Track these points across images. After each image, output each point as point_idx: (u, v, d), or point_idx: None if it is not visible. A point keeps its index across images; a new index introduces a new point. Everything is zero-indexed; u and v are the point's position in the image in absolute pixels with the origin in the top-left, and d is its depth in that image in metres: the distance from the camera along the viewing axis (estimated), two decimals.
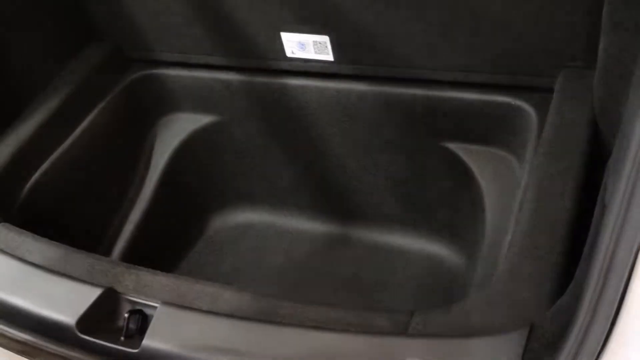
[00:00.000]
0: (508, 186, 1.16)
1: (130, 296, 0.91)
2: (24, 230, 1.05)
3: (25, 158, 1.23)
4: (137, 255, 1.37)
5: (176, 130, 1.47)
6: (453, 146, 1.27)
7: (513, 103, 1.16)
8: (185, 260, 1.51)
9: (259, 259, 1.51)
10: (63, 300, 0.90)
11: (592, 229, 0.70)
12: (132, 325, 0.88)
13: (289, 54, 1.26)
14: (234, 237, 1.56)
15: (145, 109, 1.46)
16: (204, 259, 1.52)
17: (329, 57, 1.23)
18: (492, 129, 1.21)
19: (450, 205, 1.36)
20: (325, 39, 1.19)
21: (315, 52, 1.23)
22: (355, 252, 1.48)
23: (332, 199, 1.49)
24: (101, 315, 0.89)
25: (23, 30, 1.28)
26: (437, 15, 1.10)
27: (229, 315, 0.87)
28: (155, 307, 0.88)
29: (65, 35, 1.38)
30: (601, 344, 0.62)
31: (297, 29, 1.20)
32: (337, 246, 1.50)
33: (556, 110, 1.03)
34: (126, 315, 0.88)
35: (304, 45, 1.22)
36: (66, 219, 1.29)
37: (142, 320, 0.88)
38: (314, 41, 1.20)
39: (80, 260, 0.98)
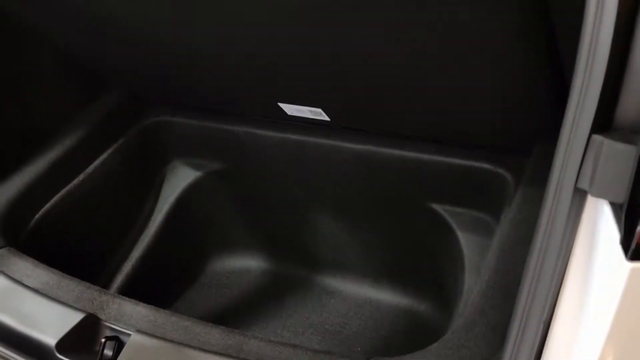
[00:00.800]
0: (486, 248, 1.21)
1: (110, 323, 0.97)
2: (26, 256, 1.12)
3: (38, 190, 1.30)
4: (133, 292, 1.43)
5: (183, 175, 1.55)
6: (438, 207, 1.32)
7: (494, 170, 1.22)
8: (179, 301, 1.57)
9: (251, 304, 1.56)
10: (48, 322, 0.97)
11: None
12: (107, 351, 0.94)
13: (289, 113, 1.34)
14: (230, 281, 1.62)
15: (156, 153, 1.54)
16: (198, 300, 1.58)
17: (325, 118, 1.31)
18: (475, 193, 1.26)
19: (435, 265, 1.40)
20: (319, 110, 1.27)
21: (312, 116, 1.31)
22: (344, 304, 1.53)
23: (325, 251, 1.54)
24: (80, 339, 0.96)
25: (44, 79, 1.38)
26: (422, 98, 1.15)
27: (198, 348, 0.92)
28: (130, 335, 0.94)
29: (84, 83, 1.47)
30: None
31: (292, 102, 1.28)
32: (327, 297, 1.55)
33: (527, 180, 1.09)
34: (103, 340, 0.94)
35: (301, 111, 1.30)
36: (70, 250, 1.35)
37: (118, 346, 0.95)
38: (309, 110, 1.28)
39: (72, 286, 1.04)
